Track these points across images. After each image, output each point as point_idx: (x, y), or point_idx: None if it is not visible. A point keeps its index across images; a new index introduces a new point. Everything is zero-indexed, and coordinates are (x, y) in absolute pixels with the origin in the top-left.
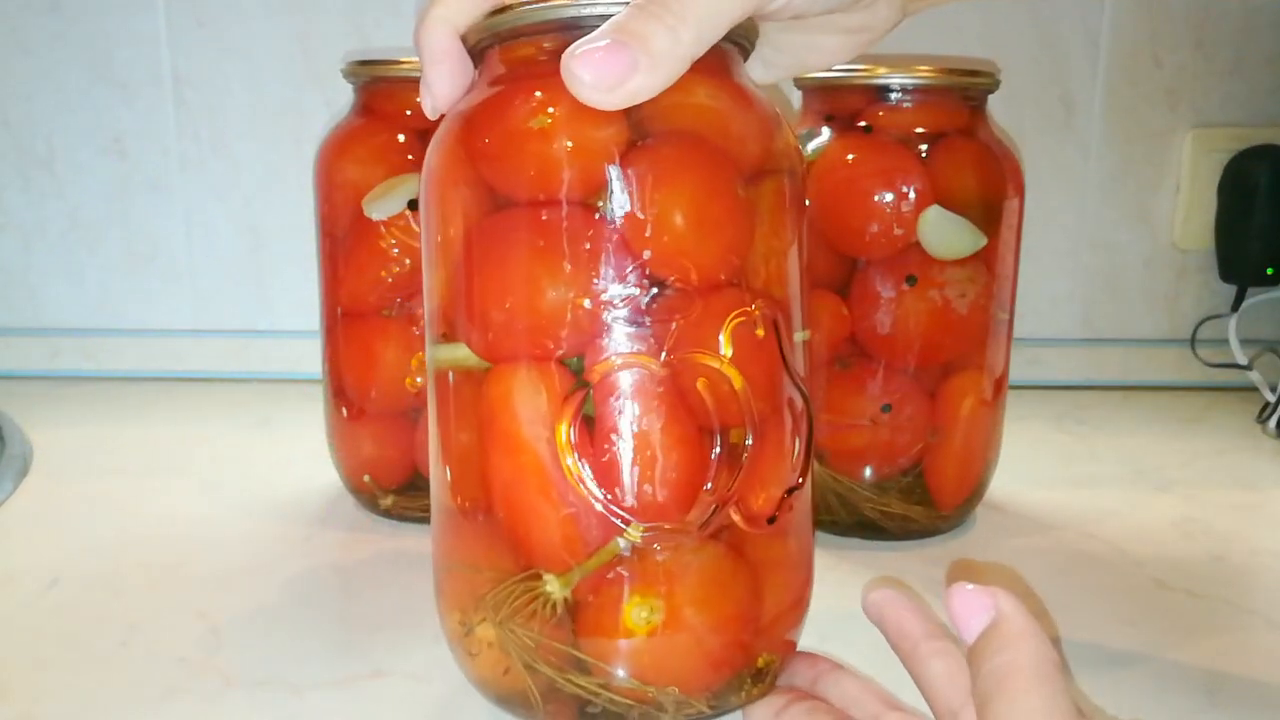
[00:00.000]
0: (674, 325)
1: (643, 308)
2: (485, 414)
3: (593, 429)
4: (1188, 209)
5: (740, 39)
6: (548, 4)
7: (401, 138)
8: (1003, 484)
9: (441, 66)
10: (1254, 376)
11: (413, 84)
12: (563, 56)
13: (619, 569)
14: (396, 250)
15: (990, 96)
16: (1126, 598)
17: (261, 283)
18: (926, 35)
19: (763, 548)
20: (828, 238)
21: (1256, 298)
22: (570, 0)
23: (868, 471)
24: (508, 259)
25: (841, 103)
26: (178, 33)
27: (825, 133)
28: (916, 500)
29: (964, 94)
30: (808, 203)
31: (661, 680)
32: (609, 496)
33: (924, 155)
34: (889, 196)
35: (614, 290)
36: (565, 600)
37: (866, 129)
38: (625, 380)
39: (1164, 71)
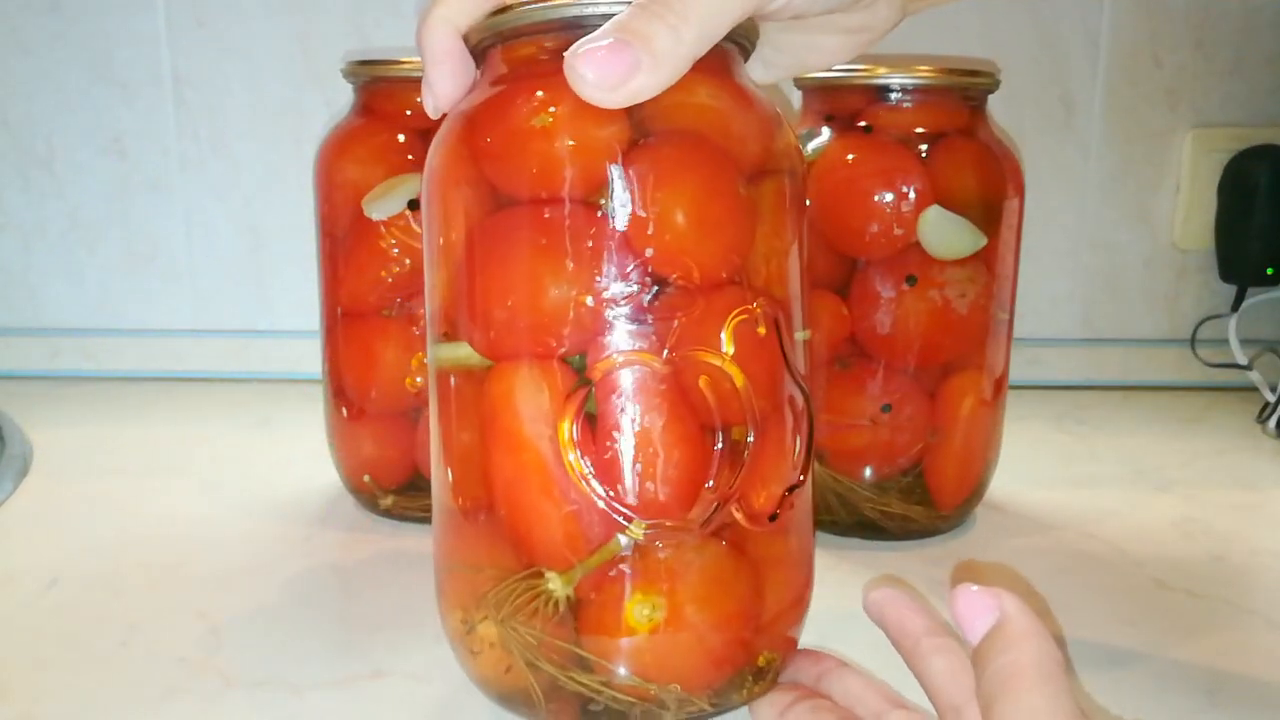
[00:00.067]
0: (676, 323)
1: (645, 305)
2: (487, 412)
3: (595, 427)
4: (1188, 209)
5: (741, 39)
6: (549, 4)
7: (402, 138)
8: (1003, 484)
9: (443, 66)
10: (1254, 376)
11: (413, 84)
12: (566, 55)
13: (621, 566)
14: (396, 250)
15: (990, 96)
16: (1126, 598)
17: (261, 283)
18: (926, 35)
19: (764, 546)
20: (828, 238)
21: (1256, 298)
22: (572, 0)
23: (868, 471)
24: (510, 257)
25: (841, 103)
26: (178, 33)
27: (825, 133)
28: (916, 500)
29: (964, 94)
30: (808, 203)
31: (664, 678)
32: (611, 494)
33: (924, 155)
34: (889, 196)
35: (616, 288)
36: (567, 598)
37: (866, 129)
38: (627, 378)
39: (1164, 71)
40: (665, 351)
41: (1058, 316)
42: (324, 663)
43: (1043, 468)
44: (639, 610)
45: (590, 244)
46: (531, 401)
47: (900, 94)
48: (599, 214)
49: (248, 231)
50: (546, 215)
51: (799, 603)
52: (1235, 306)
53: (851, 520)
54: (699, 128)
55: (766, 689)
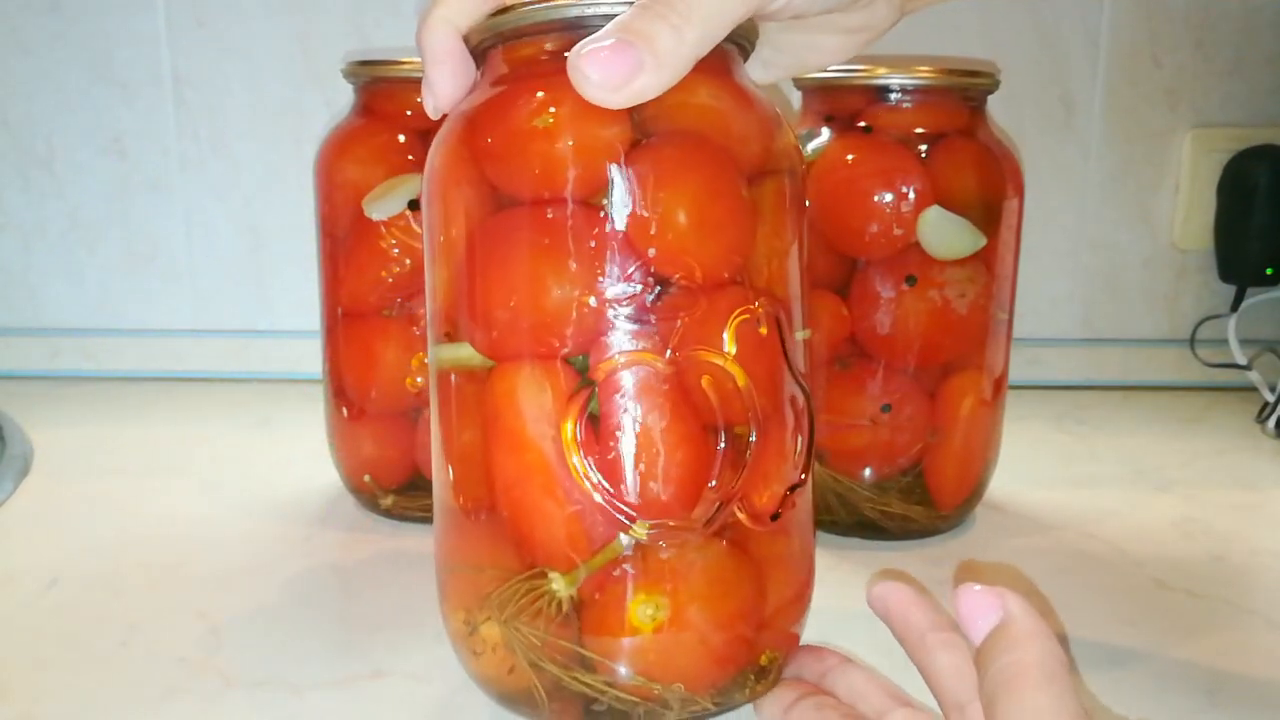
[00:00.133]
0: (678, 323)
1: (647, 306)
2: (489, 413)
3: (598, 427)
4: (1187, 209)
5: (741, 39)
6: (550, 4)
7: (402, 138)
8: (1003, 484)
9: (444, 67)
10: (1253, 376)
11: (413, 84)
12: (569, 55)
13: (624, 566)
14: (397, 250)
15: (990, 96)
16: (1126, 598)
17: (261, 283)
18: (926, 35)
19: (766, 545)
20: (828, 238)
21: (1256, 298)
22: (573, 0)
23: (868, 471)
24: (512, 258)
25: (841, 103)
26: (178, 33)
27: (825, 133)
28: (916, 500)
29: (964, 94)
30: (808, 203)
31: (667, 677)
32: (614, 494)
33: (924, 155)
34: (889, 196)
35: (618, 288)
36: (570, 598)
37: (866, 129)
38: (630, 378)
39: (1164, 71)
40: (668, 351)
41: (1058, 316)
42: (324, 663)
43: (1043, 468)
44: (642, 610)
45: (592, 244)
46: (534, 402)
47: (900, 94)
48: (601, 214)
49: (248, 231)
50: (549, 216)
51: (800, 600)
52: (1235, 306)
53: (851, 520)
54: (700, 128)
55: (769, 687)
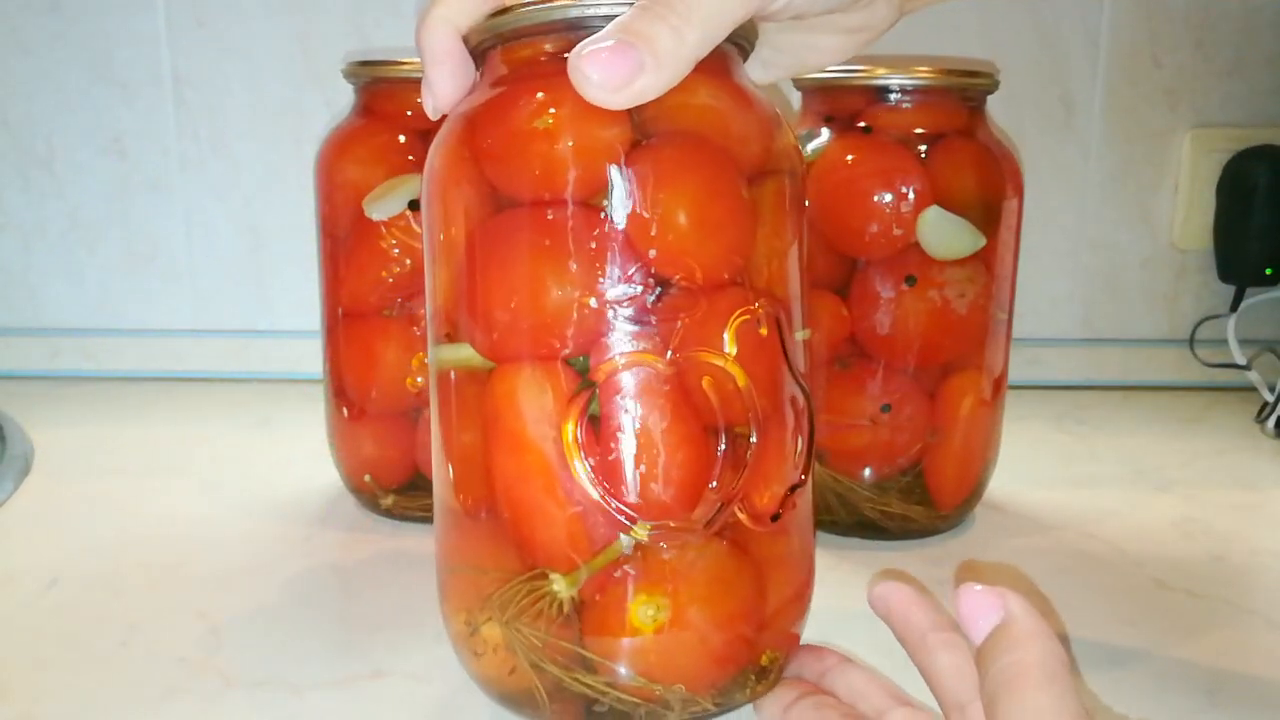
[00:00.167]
0: (679, 324)
1: (648, 306)
2: (490, 414)
3: (598, 428)
4: (1187, 209)
5: (740, 40)
6: (550, 5)
7: (402, 138)
8: (1003, 484)
9: (443, 67)
10: (1253, 376)
11: (413, 84)
12: (570, 56)
13: (625, 567)
14: (397, 250)
15: (990, 96)
16: (1126, 598)
17: (261, 283)
18: (926, 35)
19: (766, 545)
20: (828, 238)
21: (1255, 298)
22: (573, 1)
23: (867, 471)
24: (512, 259)
25: (841, 103)
26: (178, 33)
27: (825, 133)
28: (916, 500)
29: (963, 94)
30: (808, 203)
31: (668, 678)
32: (615, 495)
33: (923, 156)
34: (888, 197)
35: (619, 289)
36: (571, 599)
37: (866, 129)
38: (631, 379)
39: (1164, 71)
40: (669, 352)
41: (1058, 316)
42: (324, 663)
43: (1043, 468)
44: (643, 611)
45: (593, 245)
46: (535, 403)
47: (899, 94)
48: (601, 215)
49: (248, 231)
50: (549, 217)
51: (801, 600)
52: (1234, 306)
53: (851, 520)
54: (700, 129)
55: (769, 688)
